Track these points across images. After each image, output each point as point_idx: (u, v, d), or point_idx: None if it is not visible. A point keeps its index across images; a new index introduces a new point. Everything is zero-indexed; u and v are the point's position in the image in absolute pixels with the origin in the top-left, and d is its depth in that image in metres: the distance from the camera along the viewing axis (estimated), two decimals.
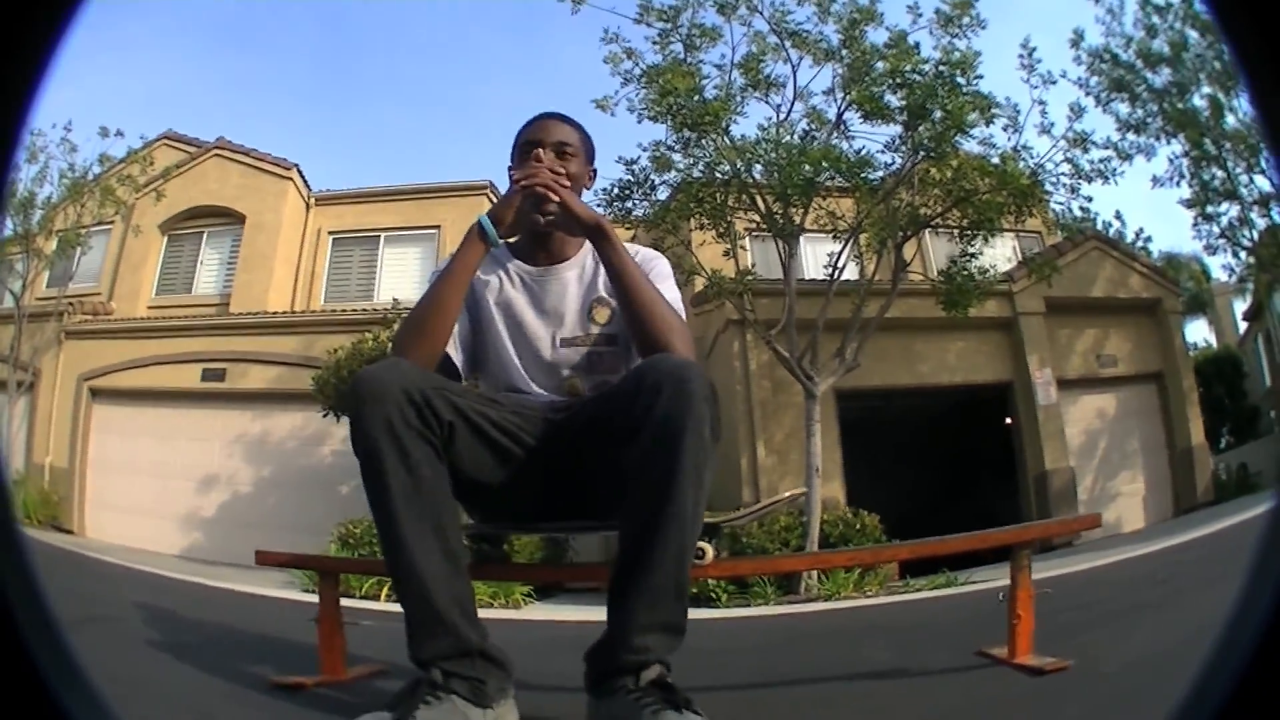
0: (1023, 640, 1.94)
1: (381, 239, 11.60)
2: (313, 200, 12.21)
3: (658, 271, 1.75)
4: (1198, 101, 13.30)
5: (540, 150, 1.71)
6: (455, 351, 1.71)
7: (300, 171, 12.12)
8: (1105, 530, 11.03)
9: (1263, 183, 13.47)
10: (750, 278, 8.58)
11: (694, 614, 4.71)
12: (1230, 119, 13.20)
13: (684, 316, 1.67)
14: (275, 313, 10.99)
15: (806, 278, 9.11)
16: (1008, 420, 10.58)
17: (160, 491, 10.84)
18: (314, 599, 2.14)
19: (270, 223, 11.72)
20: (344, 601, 2.12)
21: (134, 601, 4.03)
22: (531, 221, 1.65)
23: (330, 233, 12.01)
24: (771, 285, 8.69)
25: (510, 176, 1.69)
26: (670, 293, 1.69)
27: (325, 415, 9.03)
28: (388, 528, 1.43)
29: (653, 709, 1.33)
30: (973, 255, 8.88)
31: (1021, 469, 10.34)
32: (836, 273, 8.70)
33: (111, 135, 11.46)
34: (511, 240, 1.78)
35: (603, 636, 1.48)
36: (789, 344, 8.34)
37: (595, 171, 1.87)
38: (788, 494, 2.04)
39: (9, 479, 0.37)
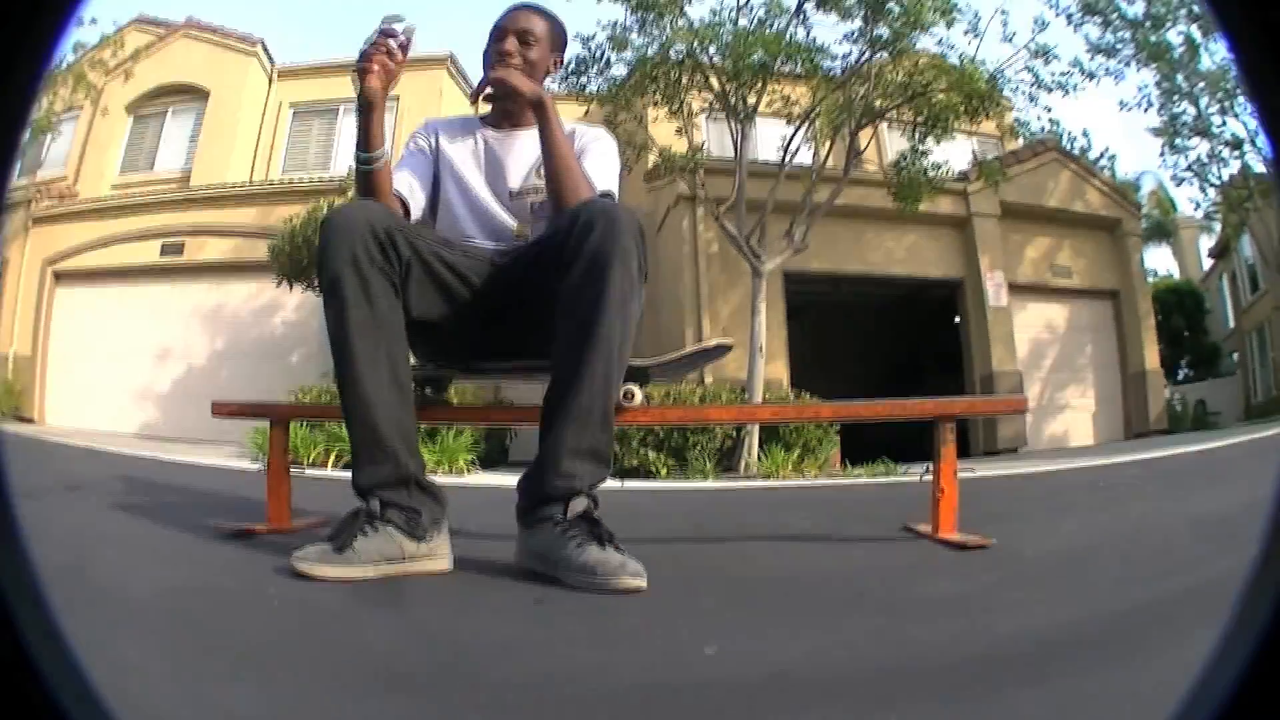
0: (946, 515, 1.93)
1: (341, 110, 11.62)
2: (276, 74, 12.25)
3: (597, 148, 1.86)
4: (1173, 37, 13.23)
5: (506, 41, 1.82)
6: (412, 198, 1.82)
7: (265, 46, 12.17)
8: (1053, 442, 11.17)
9: (1236, 126, 13.41)
10: (700, 155, 8.64)
11: (632, 484, 4.80)
12: (1205, 61, 13.14)
13: (614, 189, 1.82)
14: (233, 185, 10.98)
15: (759, 159, 9.10)
16: (956, 319, 10.62)
17: (118, 371, 10.88)
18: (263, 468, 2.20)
19: (233, 98, 11.75)
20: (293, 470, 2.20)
21: (89, 477, 4.03)
22: (478, 92, 1.81)
23: (291, 104, 12.06)
24: (723, 164, 8.72)
25: (484, 56, 1.86)
26: (601, 164, 1.82)
27: (279, 284, 9.05)
28: (343, 356, 1.54)
29: (577, 541, 1.45)
30: (924, 152, 8.95)
31: (968, 369, 10.41)
32: (788, 155, 8.76)
33: (86, 23, 11.43)
34: (485, 111, 1.96)
35: (533, 463, 1.57)
36: (738, 222, 8.39)
37: (561, 59, 1.98)
38: (714, 342, 2.07)
39: (9, 478, 0.40)
